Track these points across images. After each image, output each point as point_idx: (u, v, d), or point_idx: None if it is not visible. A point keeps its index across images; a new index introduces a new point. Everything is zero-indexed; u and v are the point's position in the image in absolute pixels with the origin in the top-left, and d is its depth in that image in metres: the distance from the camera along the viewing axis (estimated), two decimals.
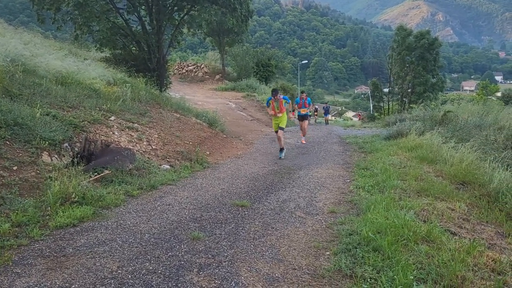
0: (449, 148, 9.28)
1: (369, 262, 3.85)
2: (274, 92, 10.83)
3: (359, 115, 36.57)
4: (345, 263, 3.90)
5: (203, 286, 3.48)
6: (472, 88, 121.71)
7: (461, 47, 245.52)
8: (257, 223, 5.24)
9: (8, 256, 3.80)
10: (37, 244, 4.18)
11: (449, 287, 3.46)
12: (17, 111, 6.31)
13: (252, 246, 4.44)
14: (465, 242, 4.44)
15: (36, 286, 3.34)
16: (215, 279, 3.62)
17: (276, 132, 11.11)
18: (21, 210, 4.71)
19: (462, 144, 9.30)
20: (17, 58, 8.52)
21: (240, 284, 3.54)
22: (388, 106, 38.86)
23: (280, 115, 10.82)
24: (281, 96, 10.87)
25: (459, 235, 4.82)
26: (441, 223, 5.11)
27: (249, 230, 4.97)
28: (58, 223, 4.68)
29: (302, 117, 14.48)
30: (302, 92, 15.42)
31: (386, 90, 40.35)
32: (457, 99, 27.37)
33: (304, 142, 13.98)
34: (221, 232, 4.84)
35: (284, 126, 11.00)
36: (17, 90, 7.31)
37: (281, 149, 11.00)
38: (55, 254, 3.97)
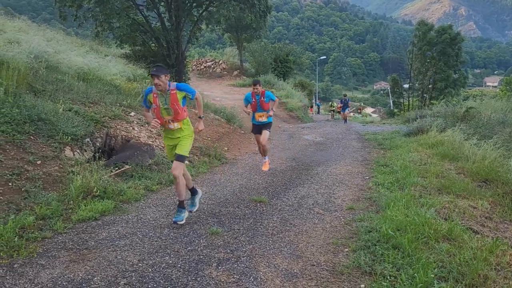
0: (471, 145, 9.10)
1: (388, 260, 3.82)
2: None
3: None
4: (364, 260, 3.87)
5: (222, 280, 3.51)
6: (495, 84, 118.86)
7: (484, 42, 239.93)
8: (275, 219, 5.25)
9: (33, 248, 3.90)
10: (60, 237, 4.28)
11: (471, 286, 3.40)
12: (40, 107, 6.45)
13: (270, 241, 4.45)
14: (487, 240, 4.36)
15: (59, 277, 3.42)
16: (234, 273, 3.64)
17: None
18: (45, 203, 4.83)
19: (484, 141, 9.10)
20: (40, 54, 8.69)
21: (259, 279, 3.56)
22: (408, 102, 38.29)
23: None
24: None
25: (481, 234, 4.73)
26: (463, 221, 5.03)
27: (267, 225, 4.98)
28: (81, 217, 4.78)
29: (258, 127, 8.41)
30: (255, 83, 8.23)
31: (406, 86, 39.74)
32: (479, 95, 26.88)
33: (266, 168, 8.54)
34: (239, 228, 4.86)
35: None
36: (40, 86, 7.47)
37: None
38: (78, 247, 4.06)
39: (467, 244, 4.15)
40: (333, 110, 32.11)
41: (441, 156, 8.96)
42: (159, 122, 4.92)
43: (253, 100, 8.13)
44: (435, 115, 15.32)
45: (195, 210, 5.33)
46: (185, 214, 5.05)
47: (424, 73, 36.03)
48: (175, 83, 4.95)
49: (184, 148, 4.98)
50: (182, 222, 4.92)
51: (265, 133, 8.25)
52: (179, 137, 5.04)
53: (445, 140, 10.31)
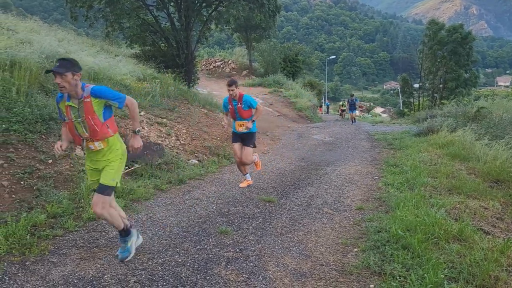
0: (482, 145, 9.02)
1: (398, 260, 3.80)
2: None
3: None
4: (373, 260, 3.86)
5: (231, 279, 3.52)
6: (507, 84, 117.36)
7: (496, 41, 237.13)
8: (284, 219, 5.25)
9: (45, 246, 3.94)
10: (71, 235, 4.33)
11: (482, 287, 3.37)
12: (52, 106, 6.51)
13: (279, 241, 4.45)
14: (498, 241, 4.32)
15: (70, 275, 3.46)
16: (243, 273, 3.65)
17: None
18: (56, 202, 4.88)
19: (496, 141, 9.01)
20: (52, 54, 8.76)
21: (268, 278, 3.57)
22: (418, 102, 38.05)
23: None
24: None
25: (492, 234, 4.69)
26: (474, 222, 4.99)
27: (276, 225, 4.99)
28: (91, 215, 4.82)
29: (238, 137, 6.76)
30: (230, 84, 6.41)
31: (416, 85, 39.52)
32: (491, 95, 26.58)
33: (244, 185, 6.95)
34: (248, 227, 4.87)
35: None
36: (52, 86, 7.54)
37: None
38: (89, 245, 4.10)
39: (477, 244, 4.11)
40: (344, 110, 31.81)
41: (451, 156, 8.89)
42: (75, 141, 3.74)
43: (230, 106, 6.51)
44: (446, 115, 15.18)
45: (129, 258, 3.79)
46: (133, 242, 3.87)
47: (434, 73, 35.82)
48: (90, 86, 3.55)
49: (109, 176, 3.59)
50: (130, 257, 3.79)
51: (247, 151, 6.58)
52: (104, 161, 3.67)
53: (456, 140, 10.22)
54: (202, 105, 13.19)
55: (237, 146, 6.70)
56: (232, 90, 6.30)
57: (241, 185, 6.90)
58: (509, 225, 5.27)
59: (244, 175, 6.98)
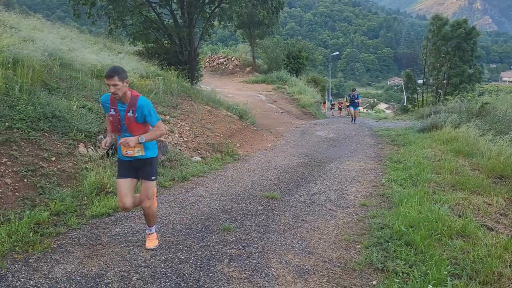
0: (486, 141, 8.97)
1: (401, 256, 3.79)
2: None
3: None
4: (376, 256, 3.85)
5: (234, 276, 3.52)
6: None
7: (501, 36, 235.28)
8: (287, 215, 5.24)
9: (48, 244, 3.96)
10: (74, 232, 4.34)
11: (485, 284, 3.36)
12: (55, 104, 6.53)
13: (282, 238, 4.45)
14: (502, 237, 4.30)
15: (73, 272, 3.47)
16: (246, 269, 3.65)
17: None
18: (59, 199, 4.89)
19: (500, 137, 8.96)
20: (54, 52, 8.78)
21: (270, 275, 3.56)
22: (422, 98, 37.87)
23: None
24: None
25: (496, 231, 4.67)
26: (477, 218, 4.97)
27: (279, 222, 4.98)
28: (94, 213, 4.84)
29: (128, 167, 3.93)
30: (109, 74, 3.55)
31: (420, 81, 39.31)
32: (495, 91, 26.44)
33: (152, 245, 4.07)
34: (251, 224, 4.87)
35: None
36: (54, 84, 7.55)
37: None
38: (92, 242, 4.11)
39: (481, 241, 4.10)
40: (341, 108, 31.18)
41: (455, 152, 8.85)
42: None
43: (113, 111, 3.78)
44: (450, 111, 15.13)
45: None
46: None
47: (438, 69, 35.61)
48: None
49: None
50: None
51: (146, 187, 3.92)
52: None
53: (460, 136, 10.18)
54: (206, 102, 13.17)
55: (123, 183, 3.86)
56: (114, 85, 3.58)
57: (148, 245, 4.06)
58: None
59: (149, 227, 4.11)
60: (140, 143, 3.73)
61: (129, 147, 3.70)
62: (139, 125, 3.79)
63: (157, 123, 3.84)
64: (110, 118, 3.87)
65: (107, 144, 3.89)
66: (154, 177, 4.02)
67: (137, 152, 3.82)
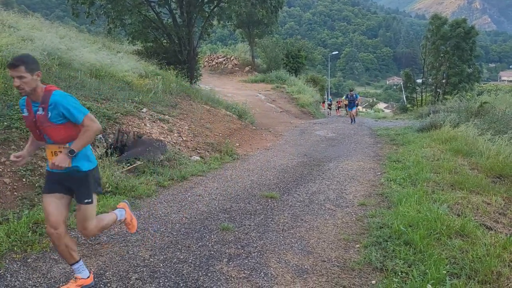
0: (485, 140, 8.98)
1: (400, 256, 3.79)
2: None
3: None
4: (375, 256, 3.85)
5: (233, 276, 3.52)
6: (511, 78, 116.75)
7: (500, 36, 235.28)
8: (286, 215, 5.24)
9: (46, 243, 3.95)
10: (72, 232, 4.32)
11: (484, 283, 3.36)
12: None
13: (281, 237, 4.45)
14: (501, 237, 4.30)
15: (72, 272, 3.45)
16: (245, 269, 3.65)
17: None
18: None
19: (499, 137, 8.97)
20: (53, 51, 8.78)
21: (269, 275, 3.56)
22: (421, 97, 37.93)
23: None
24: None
25: (495, 230, 4.67)
26: (476, 217, 4.97)
27: (278, 221, 4.98)
28: None
29: (59, 183, 3.05)
30: (13, 64, 2.80)
31: (419, 80, 39.38)
32: (494, 90, 26.38)
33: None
34: (250, 223, 4.87)
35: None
36: (53, 83, 7.54)
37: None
38: (90, 242, 4.10)
39: (480, 240, 4.10)
40: (340, 107, 30.69)
41: (454, 152, 8.86)
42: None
43: (26, 112, 3.03)
44: (449, 110, 15.14)
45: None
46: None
47: (437, 68, 35.69)
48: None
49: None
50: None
51: (80, 213, 3.12)
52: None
53: (459, 135, 10.19)
54: (205, 102, 13.17)
55: (50, 201, 3.04)
56: (19, 77, 2.83)
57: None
58: (511, 220, 5.25)
59: (71, 265, 3.20)
60: (71, 155, 2.85)
61: (63, 168, 2.84)
62: (58, 127, 2.91)
63: (84, 120, 2.92)
64: (25, 121, 3.10)
65: (18, 158, 3.08)
66: (89, 200, 3.06)
67: (64, 166, 2.86)
